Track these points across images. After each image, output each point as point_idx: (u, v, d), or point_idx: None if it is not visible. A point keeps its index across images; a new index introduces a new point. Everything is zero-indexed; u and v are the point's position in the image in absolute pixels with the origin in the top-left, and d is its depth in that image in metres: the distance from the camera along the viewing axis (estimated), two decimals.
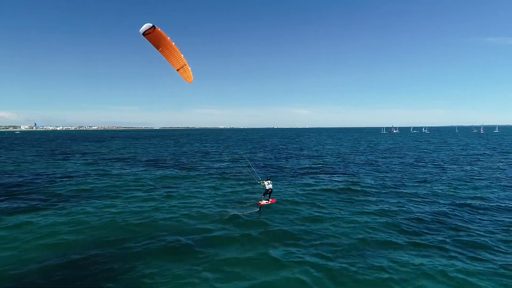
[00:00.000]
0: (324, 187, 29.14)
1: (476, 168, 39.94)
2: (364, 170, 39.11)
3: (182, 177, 34.65)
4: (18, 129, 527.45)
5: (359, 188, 27.93)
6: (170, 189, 27.95)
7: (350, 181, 31.39)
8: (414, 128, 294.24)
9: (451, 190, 27.30)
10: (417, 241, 15.94)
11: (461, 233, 16.96)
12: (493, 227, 17.91)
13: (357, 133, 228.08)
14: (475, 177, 33.34)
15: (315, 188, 28.53)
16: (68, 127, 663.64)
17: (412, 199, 24.28)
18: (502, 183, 30.09)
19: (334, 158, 53.97)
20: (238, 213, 20.41)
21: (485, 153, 60.69)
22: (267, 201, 20.89)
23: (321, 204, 22.79)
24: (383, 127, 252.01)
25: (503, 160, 49.24)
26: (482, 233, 16.92)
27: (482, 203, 22.93)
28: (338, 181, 31.58)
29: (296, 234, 16.88)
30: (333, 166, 43.31)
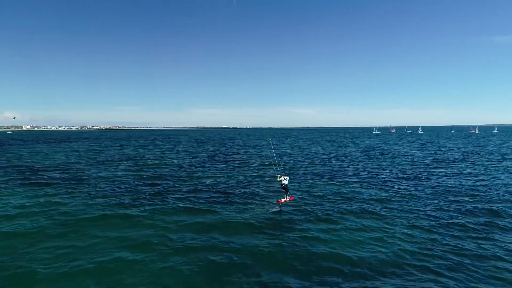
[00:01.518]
0: (168, 206, 21.96)
1: (412, 189, 28.34)
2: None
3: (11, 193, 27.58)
4: (19, 129, 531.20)
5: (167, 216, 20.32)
6: None
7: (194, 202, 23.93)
8: (409, 128, 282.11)
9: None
10: None
11: None
12: None
13: (346, 134, 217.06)
14: (398, 210, 21.82)
15: (158, 208, 21.29)
16: (70, 127, 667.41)
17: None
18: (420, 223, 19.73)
19: (255, 166, 46.34)
20: None
21: (448, 160, 52.30)
22: (285, 199, 20.88)
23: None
24: (376, 127, 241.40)
25: (462, 171, 39.62)
26: None
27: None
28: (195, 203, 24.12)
29: None
30: (233, 178, 35.72)
